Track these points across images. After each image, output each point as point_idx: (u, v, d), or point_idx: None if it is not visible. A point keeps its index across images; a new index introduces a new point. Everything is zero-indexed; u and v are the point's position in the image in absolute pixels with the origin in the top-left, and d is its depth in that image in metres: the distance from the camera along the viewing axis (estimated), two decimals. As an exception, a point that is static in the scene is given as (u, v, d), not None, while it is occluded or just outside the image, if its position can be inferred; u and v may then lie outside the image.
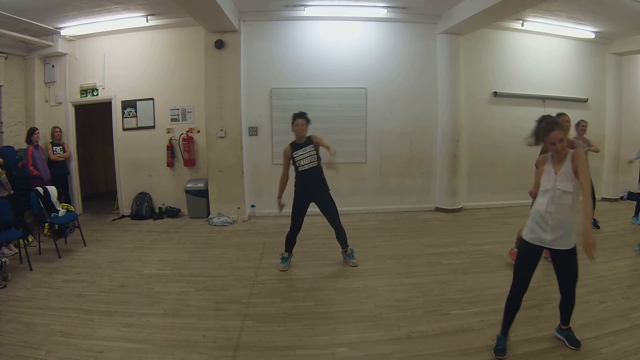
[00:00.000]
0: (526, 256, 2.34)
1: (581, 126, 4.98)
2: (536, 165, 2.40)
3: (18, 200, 4.92)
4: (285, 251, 4.04)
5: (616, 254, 4.19)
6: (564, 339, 2.47)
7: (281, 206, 3.91)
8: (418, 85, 6.42)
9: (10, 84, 5.97)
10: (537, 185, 2.35)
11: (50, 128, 6.13)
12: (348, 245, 4.07)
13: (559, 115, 3.85)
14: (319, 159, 3.88)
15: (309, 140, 3.87)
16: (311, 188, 3.88)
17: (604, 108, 7.36)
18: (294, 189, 3.92)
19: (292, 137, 3.92)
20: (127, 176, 6.50)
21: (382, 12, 5.88)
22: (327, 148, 3.68)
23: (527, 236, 2.33)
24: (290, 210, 3.92)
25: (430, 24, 6.31)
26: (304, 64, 6.17)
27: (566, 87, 6.99)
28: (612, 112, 7.35)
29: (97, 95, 6.40)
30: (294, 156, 3.85)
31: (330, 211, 3.94)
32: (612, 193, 7.37)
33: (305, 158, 3.84)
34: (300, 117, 3.85)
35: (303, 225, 3.97)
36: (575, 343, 2.41)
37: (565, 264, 2.30)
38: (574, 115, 6.65)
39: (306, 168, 3.84)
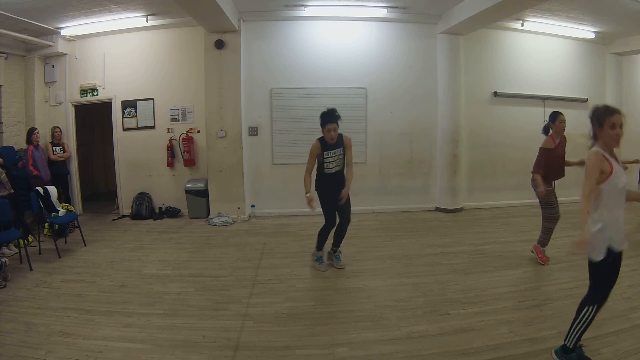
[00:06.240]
0: (616, 265, 2.09)
1: None
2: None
3: (18, 200, 4.91)
4: (318, 249, 3.90)
5: (616, 254, 4.18)
6: None
7: (310, 200, 3.52)
8: (418, 85, 6.41)
9: (10, 84, 5.96)
10: (591, 190, 1.99)
11: (50, 128, 6.13)
12: (339, 247, 3.99)
13: (556, 114, 3.78)
14: (344, 161, 3.68)
15: (340, 142, 3.61)
16: (334, 191, 3.65)
17: (604, 108, 7.36)
18: (316, 189, 3.71)
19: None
20: (127, 176, 6.50)
21: (382, 12, 5.88)
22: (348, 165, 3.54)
23: (619, 246, 2.06)
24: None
25: (431, 24, 6.31)
26: (304, 64, 6.17)
27: (566, 87, 6.98)
28: (612, 112, 7.36)
29: (97, 95, 6.40)
30: (323, 155, 3.60)
31: (343, 213, 3.78)
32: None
33: (334, 161, 3.61)
34: (333, 121, 3.47)
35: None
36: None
37: (619, 267, 2.09)
38: (575, 115, 6.74)
39: (332, 172, 3.64)
